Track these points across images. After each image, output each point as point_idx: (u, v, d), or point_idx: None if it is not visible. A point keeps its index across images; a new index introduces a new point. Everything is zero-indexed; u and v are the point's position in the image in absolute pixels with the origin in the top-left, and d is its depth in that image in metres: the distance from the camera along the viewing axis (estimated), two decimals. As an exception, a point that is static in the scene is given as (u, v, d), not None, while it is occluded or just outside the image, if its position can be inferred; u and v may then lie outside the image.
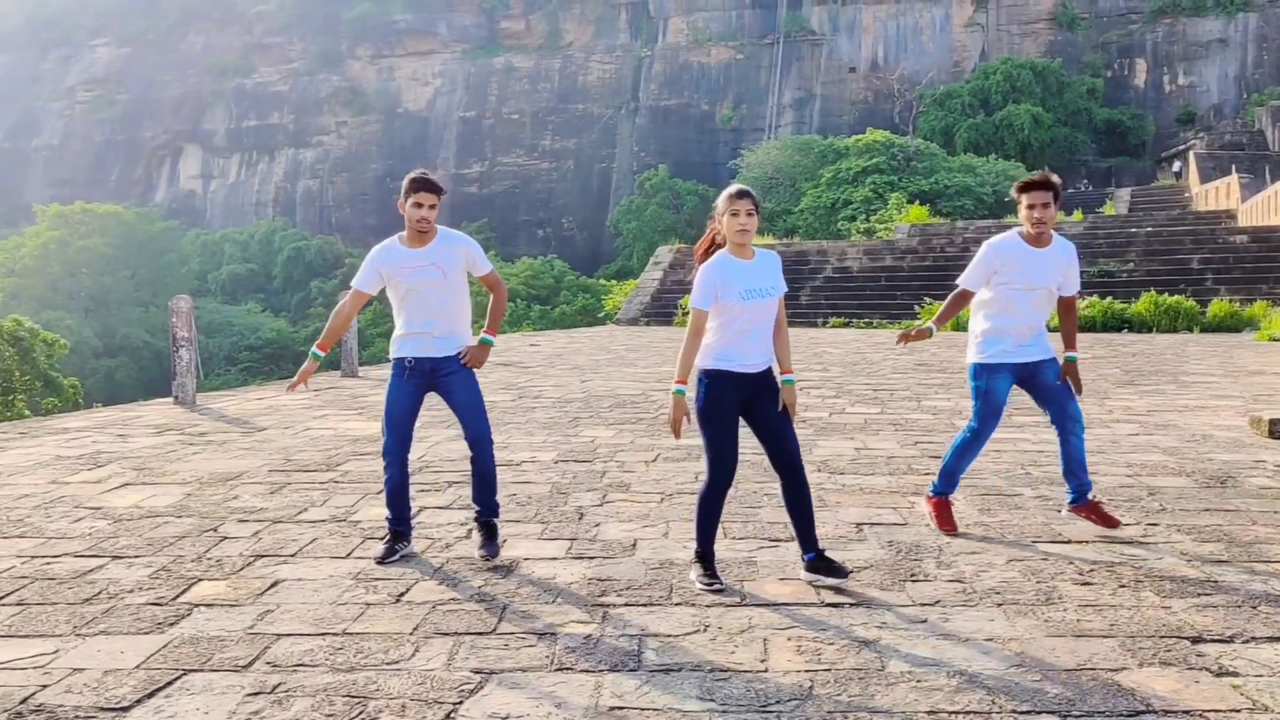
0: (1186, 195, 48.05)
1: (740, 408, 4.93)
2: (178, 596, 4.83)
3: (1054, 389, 5.83)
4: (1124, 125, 72.56)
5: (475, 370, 5.58)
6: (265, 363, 68.39)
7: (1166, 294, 26.51)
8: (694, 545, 5.02)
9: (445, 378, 5.50)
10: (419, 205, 5.33)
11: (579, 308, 61.83)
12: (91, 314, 73.62)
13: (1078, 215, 39.10)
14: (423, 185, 5.34)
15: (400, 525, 5.55)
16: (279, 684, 3.77)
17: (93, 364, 65.50)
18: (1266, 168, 46.75)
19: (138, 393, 51.70)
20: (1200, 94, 73.97)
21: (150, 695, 3.70)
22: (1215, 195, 41.41)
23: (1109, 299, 26.78)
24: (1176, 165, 60.15)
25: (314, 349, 5.52)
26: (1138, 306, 26.06)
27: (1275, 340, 21.24)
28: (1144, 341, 22.12)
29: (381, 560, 5.39)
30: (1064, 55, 75.92)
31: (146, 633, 4.34)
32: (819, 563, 4.97)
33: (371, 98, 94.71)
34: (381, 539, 5.65)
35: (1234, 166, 44.87)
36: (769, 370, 4.97)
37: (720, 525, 6.09)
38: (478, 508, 5.56)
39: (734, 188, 4.89)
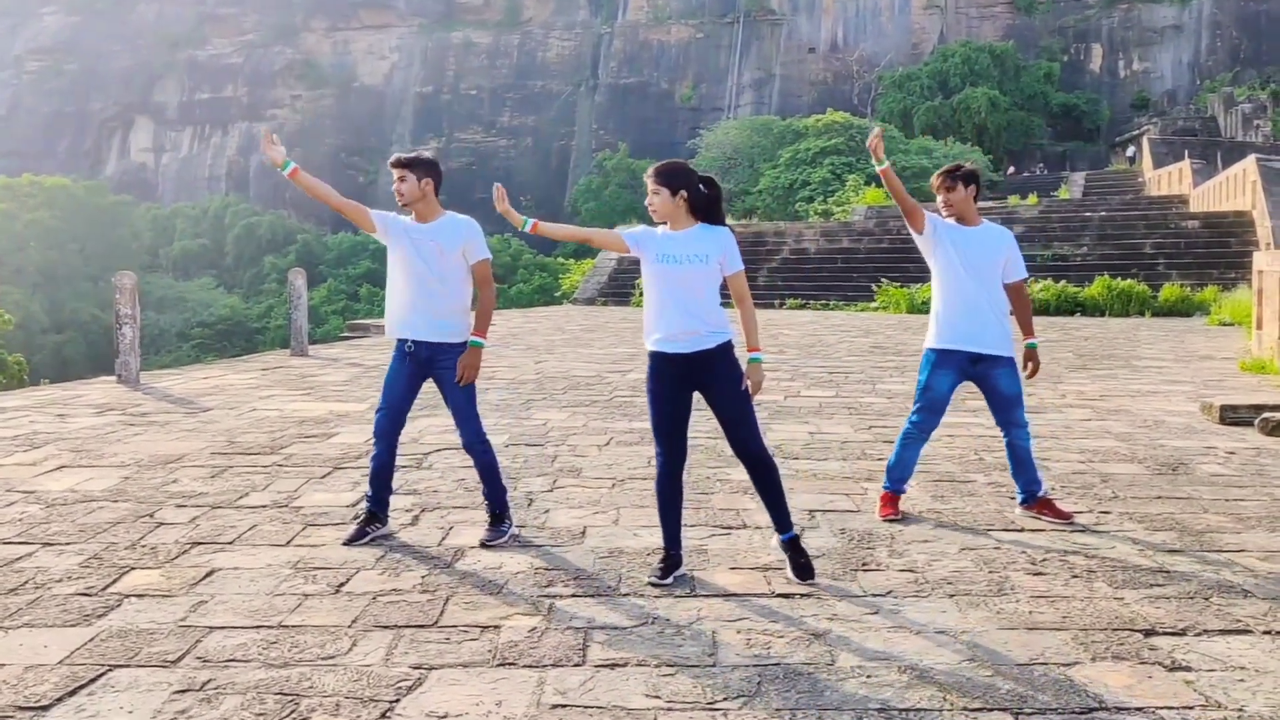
0: (1140, 180, 48.53)
1: (687, 389, 4.77)
2: (108, 586, 4.66)
3: (1001, 394, 5.82)
4: (1079, 110, 73.12)
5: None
6: (218, 339, 67.39)
7: (1119, 278, 26.73)
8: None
9: (442, 369, 5.42)
10: (394, 182, 5.36)
11: (536, 287, 61.49)
12: (39, 289, 72.14)
13: (1033, 199, 39.33)
14: (394, 162, 5.40)
15: (376, 506, 5.47)
16: (209, 680, 3.63)
17: (40, 340, 64.23)
18: (1218, 154, 47.26)
19: (86, 369, 50.78)
20: (1154, 79, 74.69)
21: (72, 693, 3.54)
22: (1168, 180, 41.83)
23: (1063, 282, 26.95)
24: (1130, 150, 60.72)
25: (287, 163, 5.26)
26: (1091, 290, 26.26)
27: (1225, 325, 21.47)
28: (1097, 325, 22.28)
29: (349, 542, 5.31)
30: (1021, 39, 76.34)
31: (73, 625, 4.17)
32: (793, 547, 4.81)
33: (327, 71, 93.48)
34: (353, 519, 5.55)
35: (1186, 152, 45.35)
36: (714, 350, 4.71)
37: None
38: (487, 503, 5.55)
39: (652, 166, 4.84)
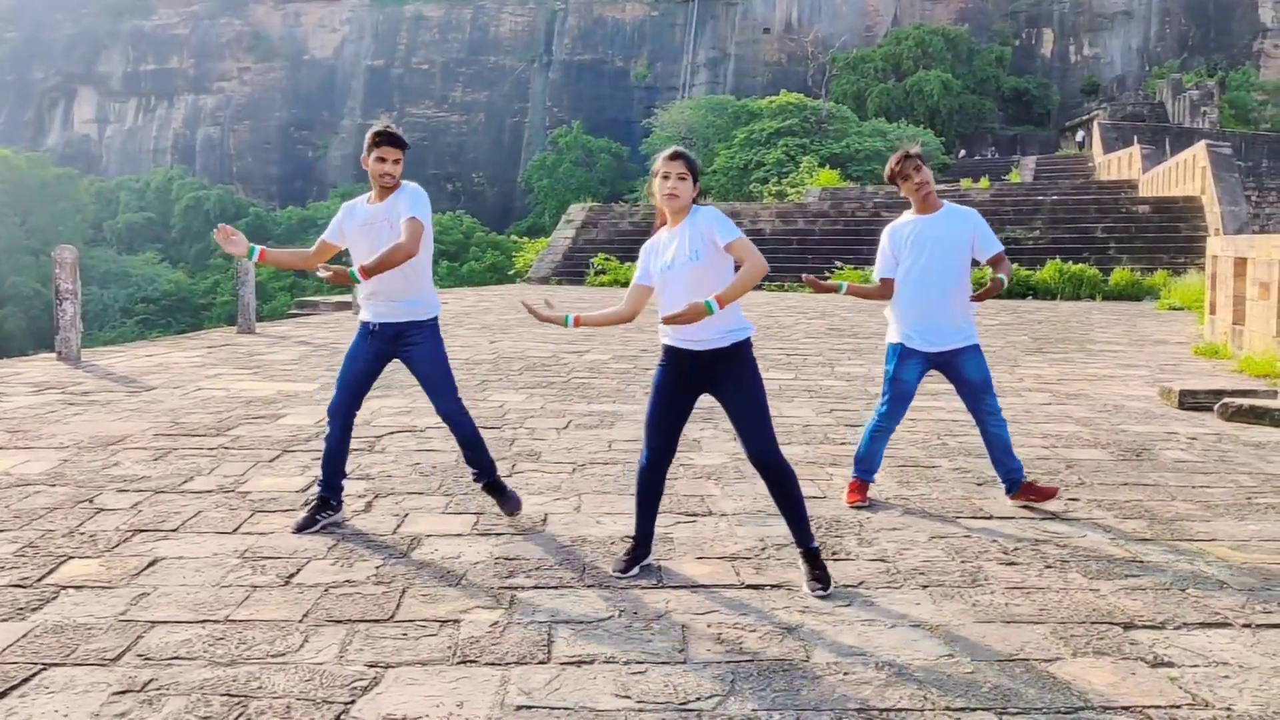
0: (1090, 165, 48.89)
1: (697, 389, 4.51)
2: (44, 577, 4.41)
3: (969, 382, 5.71)
4: (1030, 94, 73.57)
5: (441, 339, 5.33)
6: (163, 315, 66.20)
7: (1071, 262, 26.86)
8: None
9: (411, 347, 5.23)
10: (382, 160, 5.07)
11: (488, 265, 60.90)
12: (-22, 262, 70.50)
13: (984, 183, 39.49)
14: (386, 139, 5.07)
15: (328, 490, 5.27)
16: (150, 680, 3.42)
17: (-21, 314, 62.84)
18: (1167, 139, 47.76)
19: (27, 344, 49.71)
20: (1104, 65, 75.31)
21: (3, 695, 3.31)
22: (1118, 165, 42.17)
23: (1015, 265, 27.03)
24: (1080, 135, 61.19)
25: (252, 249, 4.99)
26: (1043, 274, 26.36)
27: (1175, 309, 21.64)
28: (1049, 309, 22.36)
29: (299, 529, 5.11)
30: (974, 23, 76.62)
31: (5, 620, 3.94)
32: (813, 558, 4.47)
33: (276, 44, 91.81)
34: (303, 505, 5.34)
35: (1136, 137, 45.75)
36: (727, 350, 4.39)
37: (634, 498, 5.85)
38: (474, 471, 5.37)
39: (670, 148, 4.43)
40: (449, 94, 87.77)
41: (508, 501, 5.39)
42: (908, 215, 5.77)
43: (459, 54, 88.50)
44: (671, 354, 4.49)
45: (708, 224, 4.34)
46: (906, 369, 5.71)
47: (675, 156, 4.37)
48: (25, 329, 64.18)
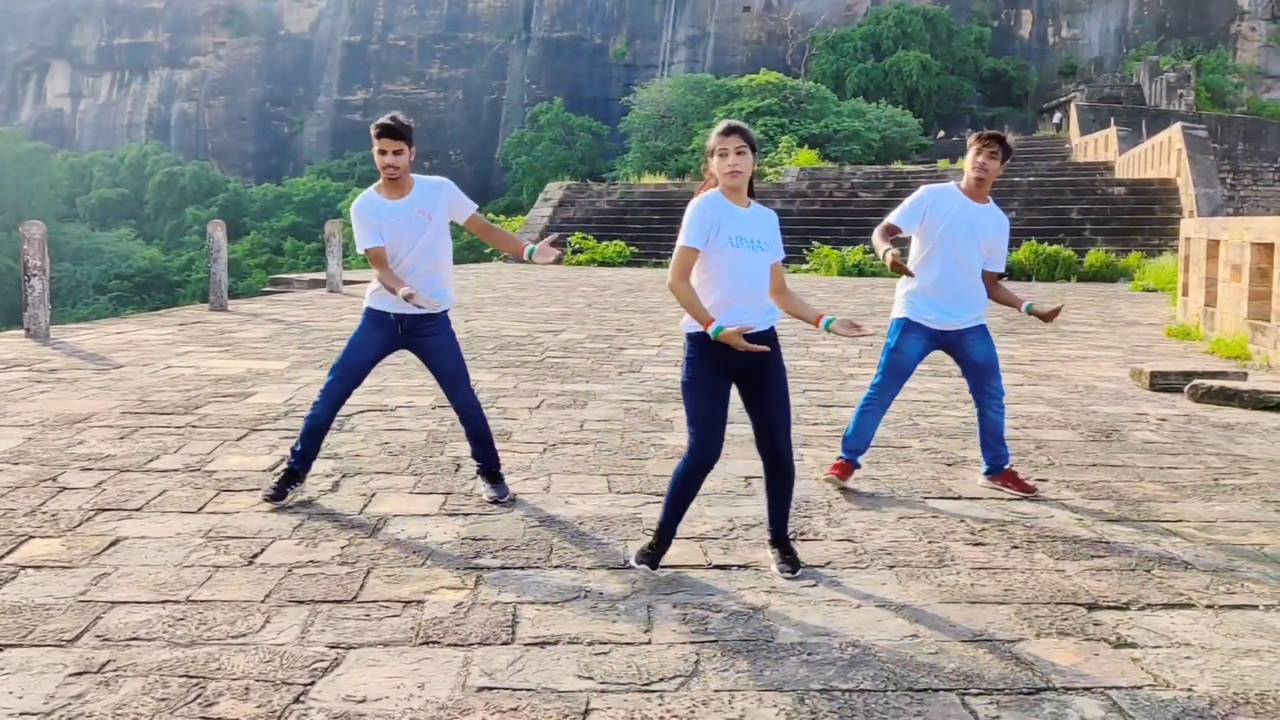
0: (1067, 146, 48.99)
1: (732, 379, 4.31)
2: (3, 557, 4.36)
3: (976, 364, 5.60)
4: (1009, 75, 73.62)
5: (453, 329, 5.40)
6: (136, 292, 65.65)
7: (1046, 243, 26.95)
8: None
9: (424, 339, 5.22)
10: (383, 153, 5.01)
11: (464, 243, 60.57)
12: (-51, 237, 69.68)
13: (962, 162, 39.55)
14: (384, 131, 4.99)
15: (301, 464, 5.25)
16: (108, 662, 3.38)
17: (-50, 290, 62.16)
18: (1143, 121, 47.85)
19: (0, 320, 49.21)
20: (1082, 46, 75.43)
21: (-44, 676, 3.27)
22: (1094, 147, 42.29)
23: (991, 247, 27.09)
24: (1057, 116, 61.31)
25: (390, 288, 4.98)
26: (1018, 255, 26.42)
27: (1149, 291, 21.76)
28: (1023, 290, 22.39)
29: (271, 498, 5.11)
30: (953, 3, 76.46)
31: (-38, 600, 3.88)
32: (784, 544, 4.46)
33: (252, 18, 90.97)
34: (273, 471, 5.29)
35: (1113, 119, 45.86)
36: (770, 332, 4.31)
37: (605, 478, 5.84)
38: (478, 463, 5.42)
39: (723, 124, 4.19)
40: (426, 71, 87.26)
41: (496, 488, 5.35)
42: (952, 187, 5.58)
43: (437, 30, 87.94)
44: (716, 345, 4.16)
45: (776, 229, 4.37)
46: (910, 343, 5.56)
47: (731, 131, 4.15)
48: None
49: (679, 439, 6.80)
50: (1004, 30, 77.10)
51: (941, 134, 64.62)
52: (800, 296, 4.56)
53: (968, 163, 5.54)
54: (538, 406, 7.91)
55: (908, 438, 7.08)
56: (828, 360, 10.74)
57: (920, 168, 38.36)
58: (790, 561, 4.40)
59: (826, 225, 30.53)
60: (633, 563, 4.39)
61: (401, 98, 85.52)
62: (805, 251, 28.73)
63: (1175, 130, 29.50)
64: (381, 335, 5.24)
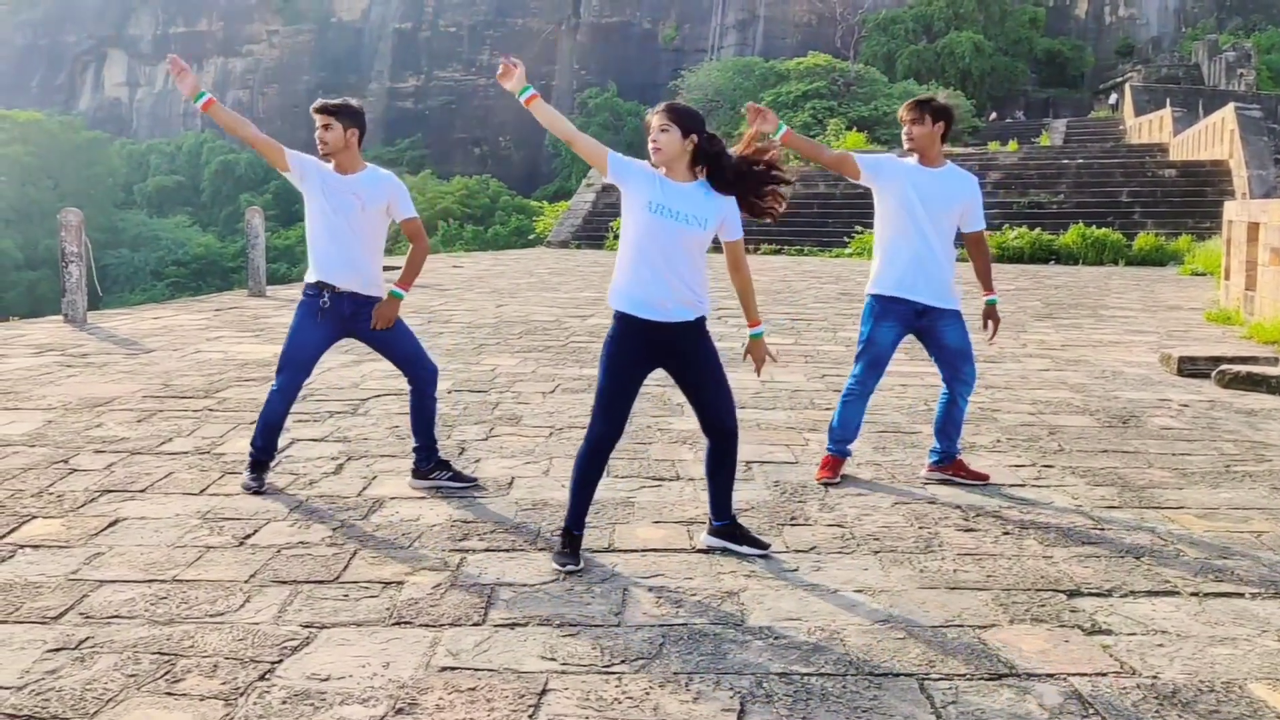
0: (1121, 128, 48.18)
1: (653, 362, 4.28)
2: (4, 536, 4.48)
3: (949, 348, 5.48)
4: (1064, 56, 72.41)
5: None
6: (193, 278, 66.60)
7: (1095, 226, 26.53)
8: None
9: (369, 323, 5.21)
10: (317, 128, 5.16)
11: (513, 228, 60.84)
12: (12, 225, 71.04)
13: (1013, 145, 38.97)
14: (317, 109, 5.19)
15: (268, 456, 5.30)
16: (86, 638, 3.47)
17: (13, 276, 63.46)
18: (1200, 102, 46.90)
19: (60, 307, 50.23)
20: (1139, 26, 73.99)
21: (-60, 651, 3.37)
22: (1149, 128, 41.52)
23: (1038, 230, 26.74)
24: (1113, 98, 60.24)
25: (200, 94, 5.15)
26: (1065, 238, 26.05)
27: (1197, 275, 21.35)
28: (1069, 274, 22.13)
29: (255, 491, 5.16)
30: (1007, -17, 75.36)
31: (-41, 578, 4.00)
32: (731, 529, 4.44)
33: (304, 6, 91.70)
34: (248, 472, 5.37)
35: (1168, 100, 44.98)
36: (693, 324, 4.23)
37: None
38: (418, 442, 5.37)
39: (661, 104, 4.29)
40: (476, 57, 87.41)
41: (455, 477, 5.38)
42: (910, 159, 5.49)
43: (486, 16, 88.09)
44: (637, 325, 4.19)
45: (727, 210, 4.24)
46: (882, 330, 5.49)
47: (660, 110, 4.21)
48: (59, 292, 64.80)
49: (686, 424, 6.81)
50: (1059, 10, 75.82)
51: (994, 115, 63.72)
52: (750, 291, 4.46)
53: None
54: (552, 391, 7.95)
55: (920, 423, 7.02)
56: (853, 345, 10.64)
57: (970, 150, 37.83)
58: (755, 542, 4.42)
59: (871, 210, 30.22)
60: (555, 566, 4.19)
61: (452, 84, 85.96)
62: (847, 237, 28.57)
63: (1228, 110, 28.88)
64: (324, 323, 5.24)
